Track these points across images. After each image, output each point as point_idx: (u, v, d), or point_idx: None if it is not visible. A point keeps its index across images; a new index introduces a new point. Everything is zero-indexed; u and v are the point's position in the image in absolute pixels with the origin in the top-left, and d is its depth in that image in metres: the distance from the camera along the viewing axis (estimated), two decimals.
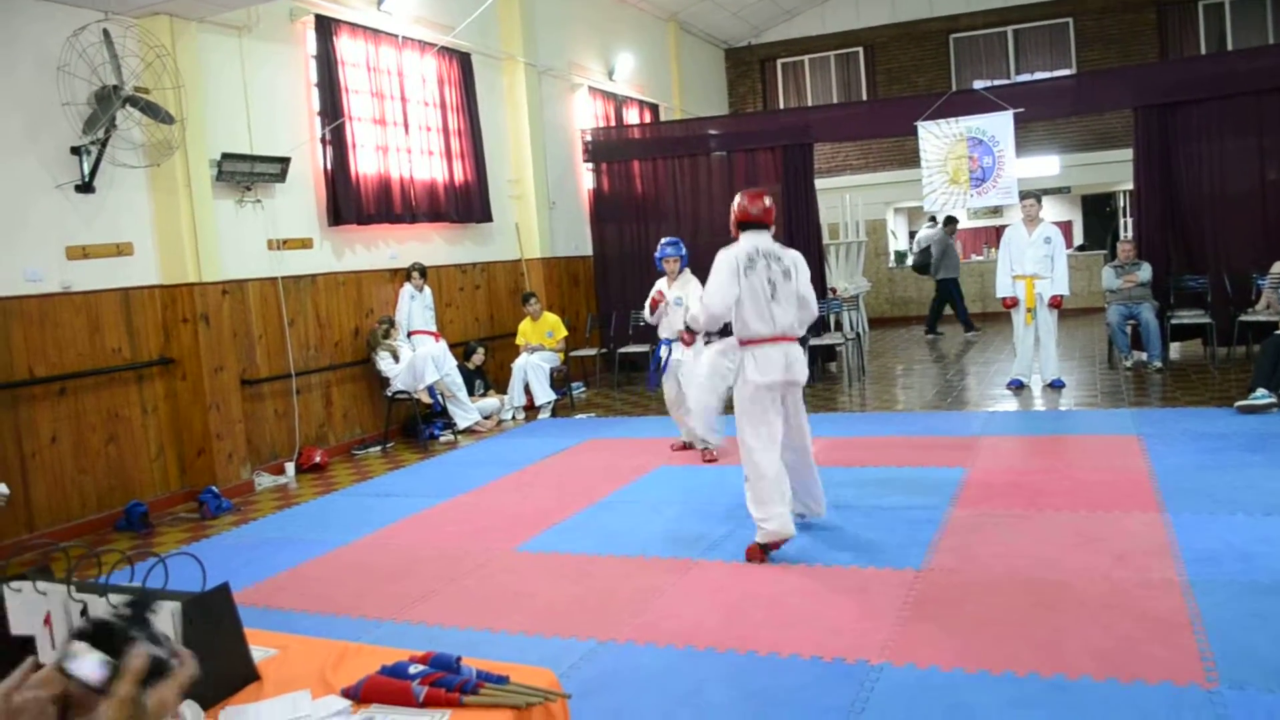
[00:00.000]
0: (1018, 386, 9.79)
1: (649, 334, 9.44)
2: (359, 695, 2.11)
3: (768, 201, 5.40)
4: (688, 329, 6.34)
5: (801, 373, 5.33)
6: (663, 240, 7.99)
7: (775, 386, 5.21)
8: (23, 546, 1.73)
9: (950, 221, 15.02)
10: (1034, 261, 9.55)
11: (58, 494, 6.65)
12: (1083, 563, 4.78)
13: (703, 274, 5.69)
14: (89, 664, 1.24)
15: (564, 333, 10.80)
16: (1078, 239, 20.71)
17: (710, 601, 4.68)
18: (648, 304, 7.86)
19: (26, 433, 6.52)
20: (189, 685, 1.30)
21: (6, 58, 6.49)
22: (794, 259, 5.38)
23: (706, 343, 6.86)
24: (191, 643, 2.15)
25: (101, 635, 1.27)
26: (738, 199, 5.45)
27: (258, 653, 2.36)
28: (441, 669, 2.17)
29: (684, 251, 7.89)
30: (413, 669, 2.16)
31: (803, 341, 5.60)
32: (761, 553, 5.19)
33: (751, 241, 5.29)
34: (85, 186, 6.86)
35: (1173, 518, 5.33)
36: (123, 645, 1.26)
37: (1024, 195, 9.96)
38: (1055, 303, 9.54)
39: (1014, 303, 9.73)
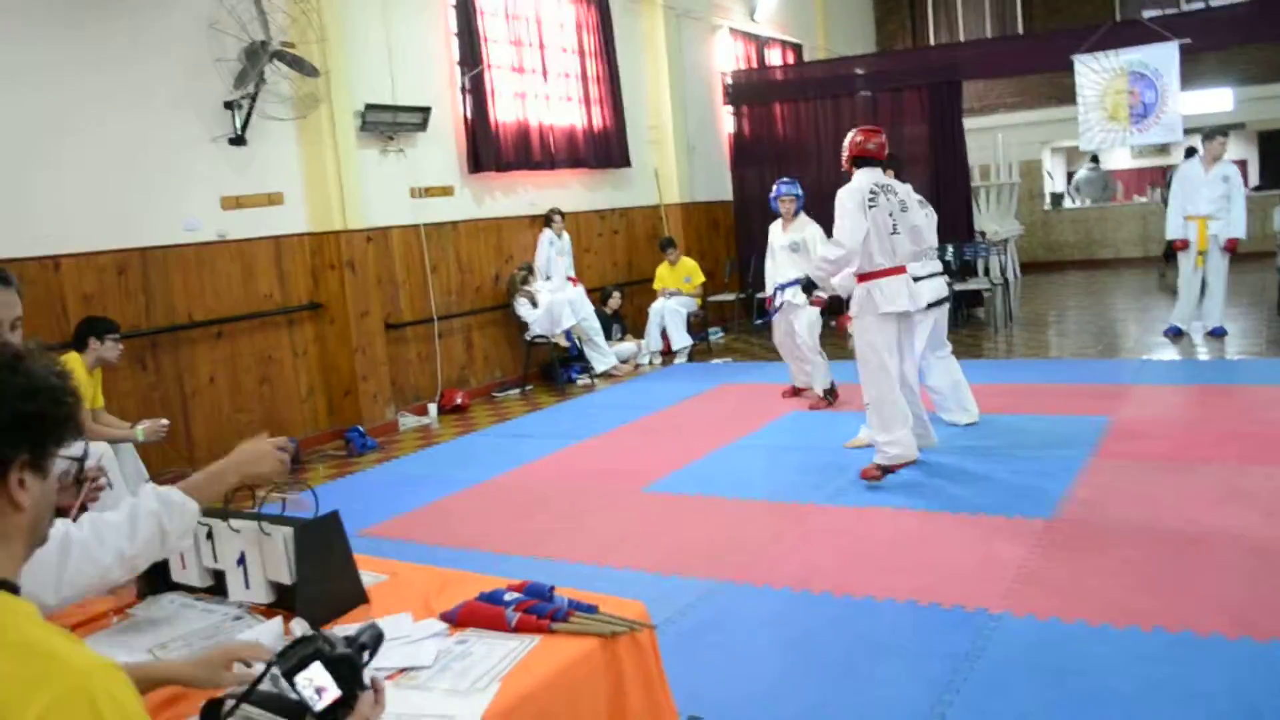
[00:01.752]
0: (1175, 334, 9.25)
1: None
2: (455, 619, 2.19)
3: (882, 138, 5.56)
4: (810, 288, 6.14)
5: (925, 296, 5.61)
6: (779, 180, 7.85)
7: (900, 315, 5.40)
8: (178, 477, 1.87)
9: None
10: (1209, 201, 8.99)
11: (216, 430, 7.05)
12: (1228, 518, 4.55)
13: (828, 217, 5.71)
14: (323, 692, 1.46)
15: (701, 278, 10.78)
16: (1253, 179, 19.41)
17: (829, 546, 4.66)
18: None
19: (187, 373, 6.92)
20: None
21: (162, 17, 6.80)
22: (907, 191, 5.59)
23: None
24: (304, 563, 2.29)
25: (339, 666, 1.49)
26: (851, 135, 5.59)
27: (368, 578, 2.48)
28: (535, 597, 2.24)
29: (800, 192, 7.71)
30: (508, 596, 2.23)
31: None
32: (880, 473, 5.40)
33: (869, 177, 5.44)
34: (238, 139, 7.17)
35: None
36: (355, 683, 1.49)
37: (1211, 133, 9.28)
38: (1231, 246, 8.99)
39: (1185, 244, 9.16)
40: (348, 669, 1.48)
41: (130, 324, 6.40)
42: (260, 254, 7.43)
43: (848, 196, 5.31)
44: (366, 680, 1.51)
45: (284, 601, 2.34)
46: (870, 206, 5.29)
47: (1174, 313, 9.44)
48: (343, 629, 2.11)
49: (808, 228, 7.59)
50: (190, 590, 2.52)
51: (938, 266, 6.50)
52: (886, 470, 5.40)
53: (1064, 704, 3.06)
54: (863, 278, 5.40)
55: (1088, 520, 4.68)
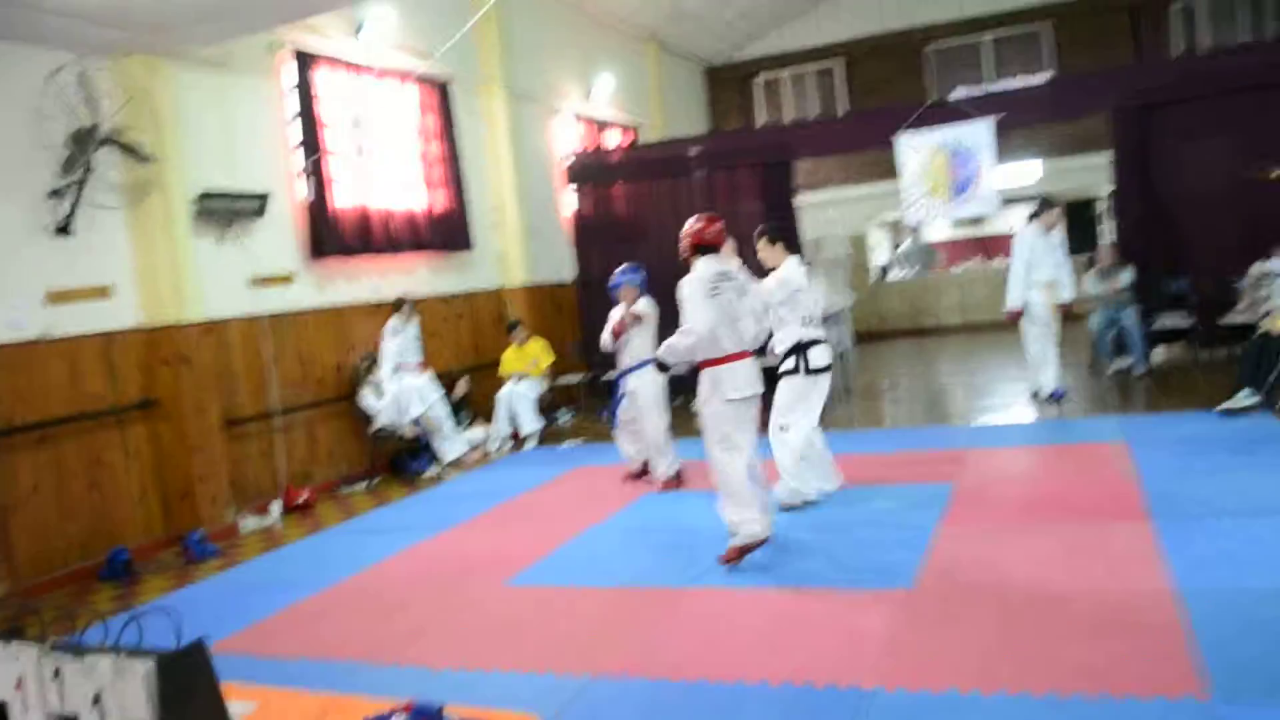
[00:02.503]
0: (1059, 397, 9.23)
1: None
2: None
3: (720, 225, 5.62)
4: (660, 364, 5.98)
5: (759, 384, 5.58)
6: (620, 270, 7.79)
7: (749, 400, 5.48)
8: None
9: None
10: (1053, 267, 9.22)
11: (41, 544, 6.58)
12: (1073, 576, 4.77)
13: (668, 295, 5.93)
14: None
15: (550, 358, 10.76)
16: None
17: (700, 631, 4.65)
18: (609, 330, 7.76)
19: (8, 483, 6.45)
20: None
21: None
22: (744, 277, 5.75)
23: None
24: (166, 703, 2.12)
25: None
26: (691, 224, 5.62)
27: (236, 708, 2.32)
28: (424, 718, 2.15)
29: (640, 279, 7.70)
30: None
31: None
32: (740, 555, 5.43)
33: (710, 266, 5.52)
34: (64, 229, 6.82)
35: (1161, 525, 5.32)
36: None
37: (1047, 203, 9.54)
38: (1067, 310, 9.39)
39: (1019, 315, 9.33)
40: None
41: None
42: (89, 350, 7.04)
43: (693, 287, 5.40)
44: None
45: None
46: (714, 294, 5.40)
47: (1043, 377, 9.33)
48: None
49: (651, 310, 7.65)
50: None
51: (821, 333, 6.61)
52: (745, 551, 5.44)
53: None
54: (709, 363, 5.47)
55: (945, 588, 4.82)
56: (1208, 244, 10.42)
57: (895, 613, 4.53)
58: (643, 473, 7.87)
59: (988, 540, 5.49)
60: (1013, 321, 9.51)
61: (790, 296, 6.44)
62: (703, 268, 5.50)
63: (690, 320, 5.37)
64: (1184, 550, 4.90)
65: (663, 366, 6.01)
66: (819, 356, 6.52)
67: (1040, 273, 9.23)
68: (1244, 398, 7.73)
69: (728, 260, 5.80)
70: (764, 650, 4.28)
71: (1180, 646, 3.83)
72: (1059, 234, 9.38)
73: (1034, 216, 9.39)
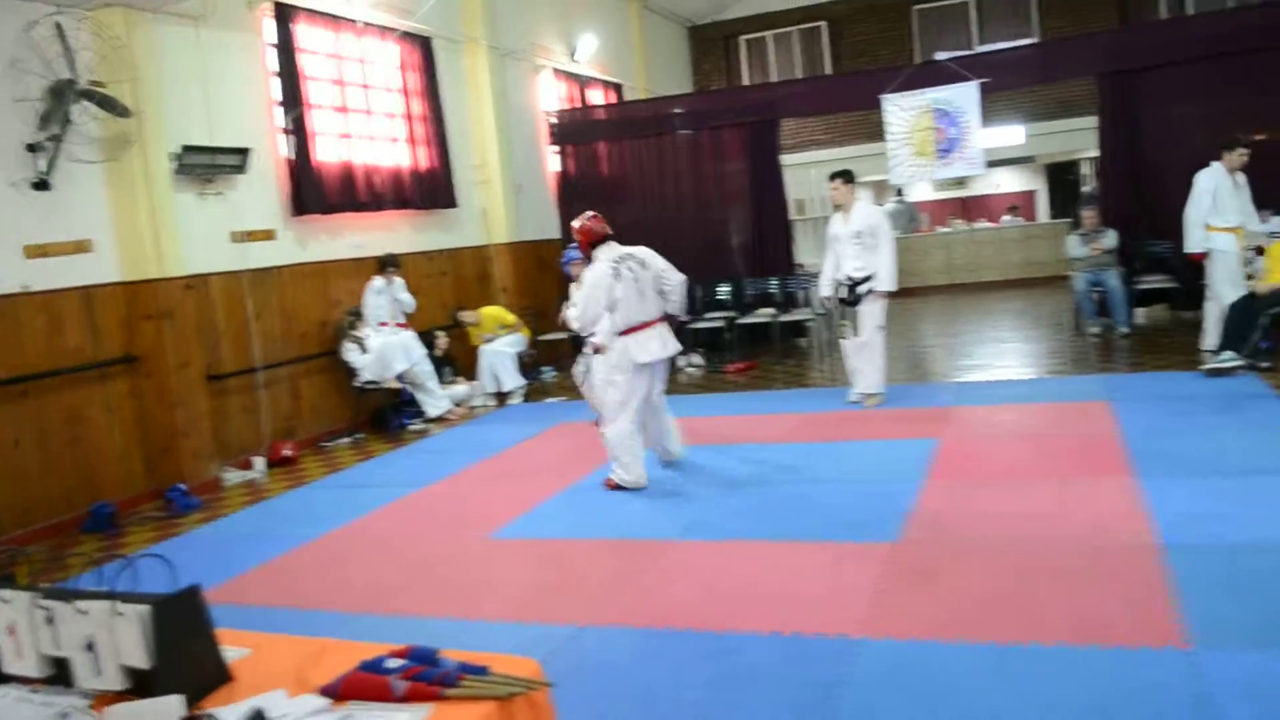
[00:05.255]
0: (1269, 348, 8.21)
1: None
2: (337, 692, 2.07)
3: (602, 220, 6.37)
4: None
5: (675, 347, 6.39)
6: (568, 247, 7.86)
7: (653, 364, 6.25)
8: None
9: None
10: (1237, 211, 8.46)
11: (22, 497, 6.53)
12: (1057, 530, 4.81)
13: (670, 249, 6.67)
14: None
15: (512, 319, 10.72)
16: (1043, 207, 20.81)
17: (687, 582, 4.67)
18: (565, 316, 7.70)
19: None
20: None
21: None
22: (644, 251, 6.36)
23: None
24: (162, 648, 2.11)
25: None
26: (580, 223, 6.37)
27: (230, 653, 2.31)
28: (420, 662, 2.14)
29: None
30: (391, 663, 2.13)
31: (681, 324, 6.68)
32: (619, 487, 6.26)
33: (609, 254, 6.23)
34: (42, 184, 6.71)
35: (1145, 482, 5.37)
36: None
37: (1237, 141, 8.56)
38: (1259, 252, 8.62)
39: (1202, 257, 8.65)
40: None
41: None
42: (69, 305, 6.96)
43: (594, 278, 6.16)
44: None
45: (140, 688, 2.15)
46: (618, 277, 6.11)
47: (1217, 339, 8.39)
48: (221, 712, 1.97)
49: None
50: (26, 682, 2.29)
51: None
52: (623, 488, 6.25)
53: None
54: (623, 334, 6.17)
55: (931, 541, 4.86)
56: None
57: (882, 565, 4.56)
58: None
59: (972, 495, 5.52)
60: (1196, 262, 8.88)
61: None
62: (603, 257, 6.21)
63: (582, 304, 6.19)
64: (1167, 506, 4.95)
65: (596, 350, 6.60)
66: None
67: (1225, 217, 8.47)
68: (1228, 358, 7.78)
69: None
70: (752, 601, 4.31)
71: (1163, 598, 3.88)
72: (1243, 175, 8.59)
73: (1224, 150, 8.54)
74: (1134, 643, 3.51)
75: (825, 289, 8.34)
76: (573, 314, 6.41)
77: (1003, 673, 3.41)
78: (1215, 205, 8.45)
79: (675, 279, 6.41)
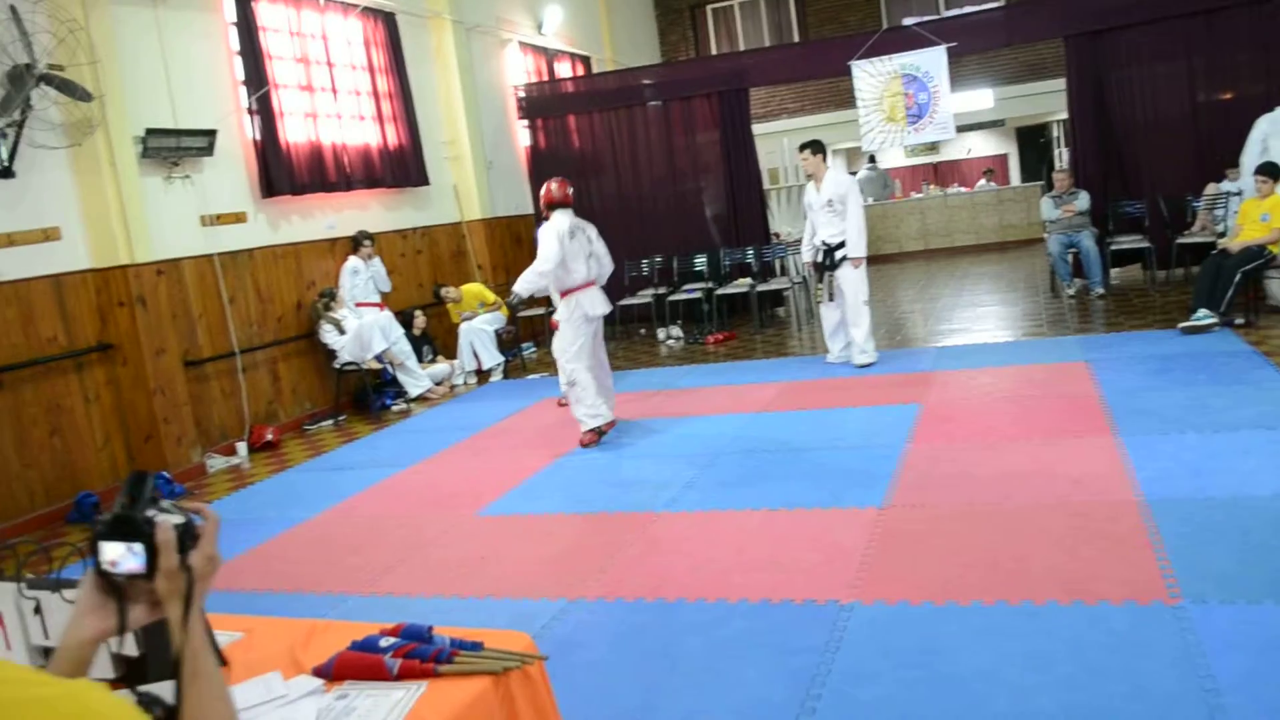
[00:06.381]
0: None
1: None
2: (331, 673, 2.06)
3: (570, 188, 6.96)
4: (517, 303, 7.28)
5: (608, 306, 7.05)
6: None
7: (597, 317, 6.93)
8: None
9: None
10: None
11: (3, 490, 6.47)
12: (1041, 490, 4.84)
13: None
14: (126, 558, 1.28)
15: (492, 297, 10.67)
16: (1015, 171, 20.87)
17: (677, 552, 4.68)
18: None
19: None
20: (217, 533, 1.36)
21: None
22: (591, 227, 7.06)
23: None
24: (152, 633, 2.09)
25: (121, 527, 1.29)
26: (547, 186, 6.95)
27: (222, 637, 2.28)
28: (414, 640, 2.13)
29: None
30: (384, 642, 2.12)
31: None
32: (596, 436, 6.83)
33: (565, 219, 6.79)
34: (5, 171, 6.60)
35: (1125, 440, 5.41)
36: (145, 527, 1.29)
37: None
38: None
39: None
40: (129, 526, 1.29)
41: None
42: (39, 294, 6.87)
43: (551, 232, 6.68)
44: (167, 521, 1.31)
45: (132, 675, 2.13)
46: (571, 239, 6.73)
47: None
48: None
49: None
50: None
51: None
52: (599, 433, 6.84)
53: (925, 683, 3.17)
54: (568, 292, 6.80)
55: (917, 504, 4.88)
56: (1163, 166, 10.53)
57: (869, 530, 4.57)
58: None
59: (956, 458, 5.55)
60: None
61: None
62: (558, 219, 6.78)
63: (542, 255, 6.66)
64: (1148, 463, 4.99)
65: (513, 306, 7.47)
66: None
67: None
68: (1203, 316, 7.83)
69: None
70: (741, 569, 4.32)
71: (1148, 554, 3.92)
72: None
73: None
74: (1120, 599, 3.54)
75: (806, 255, 8.69)
76: (536, 265, 6.74)
77: (991, 632, 3.43)
78: (1266, 153, 8.24)
79: (610, 264, 7.20)
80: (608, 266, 7.18)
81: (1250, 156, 8.50)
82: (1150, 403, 6.10)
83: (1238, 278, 7.85)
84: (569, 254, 6.71)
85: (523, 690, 2.06)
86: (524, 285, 6.82)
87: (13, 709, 0.97)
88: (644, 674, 3.50)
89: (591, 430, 6.84)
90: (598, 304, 6.95)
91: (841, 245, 8.26)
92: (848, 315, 8.39)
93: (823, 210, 8.37)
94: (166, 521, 1.30)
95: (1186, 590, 3.55)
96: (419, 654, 2.06)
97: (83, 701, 1.01)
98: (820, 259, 8.44)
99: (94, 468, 7.13)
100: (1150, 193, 10.46)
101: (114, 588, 1.31)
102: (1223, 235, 8.98)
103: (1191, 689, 2.94)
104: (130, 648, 2.11)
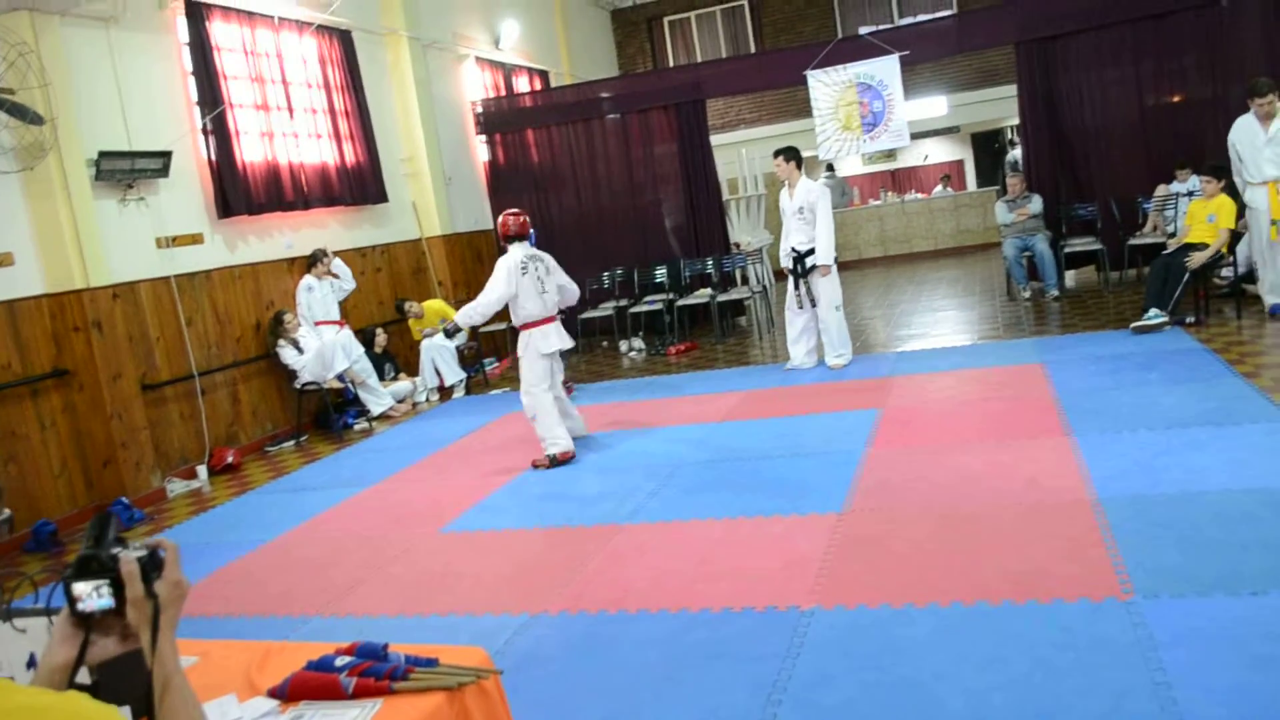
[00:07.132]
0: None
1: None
2: (286, 693, 2.07)
3: (524, 219, 6.98)
4: (446, 331, 7.39)
5: (567, 341, 7.02)
6: None
7: (552, 354, 6.87)
8: None
9: None
10: (1272, 163, 7.92)
11: None
12: (997, 490, 4.91)
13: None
14: (92, 597, 1.38)
15: (454, 313, 10.61)
16: (970, 176, 21.10)
17: (638, 564, 4.69)
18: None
19: None
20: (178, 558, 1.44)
21: None
22: (549, 259, 7.01)
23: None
24: (105, 663, 2.08)
25: (89, 565, 1.38)
26: (503, 219, 6.96)
27: None
28: (368, 658, 2.14)
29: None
30: (339, 661, 2.13)
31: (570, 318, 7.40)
32: (551, 463, 6.70)
33: (520, 251, 6.81)
34: None
35: (1079, 439, 5.50)
36: (109, 563, 1.38)
37: (1256, 87, 8.00)
38: None
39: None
40: (95, 564, 1.38)
41: None
42: None
43: (502, 267, 6.72)
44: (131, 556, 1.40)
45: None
46: (522, 274, 6.71)
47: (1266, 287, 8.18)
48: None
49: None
50: None
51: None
52: (555, 460, 6.70)
53: (885, 685, 3.20)
54: (526, 326, 6.82)
55: (876, 508, 4.93)
56: (1113, 169, 10.70)
57: (829, 535, 4.62)
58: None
59: (914, 461, 5.61)
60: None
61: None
62: (514, 252, 6.81)
63: (489, 289, 6.72)
64: (1101, 462, 5.08)
65: (449, 333, 7.38)
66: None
67: (1259, 169, 8.01)
68: (1154, 316, 7.96)
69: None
70: (703, 579, 4.34)
71: (1101, 551, 3.98)
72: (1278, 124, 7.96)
73: (1248, 99, 8.05)
74: (1074, 596, 3.60)
75: (783, 260, 8.88)
76: (475, 304, 6.83)
77: (948, 633, 3.48)
78: (1242, 159, 8.17)
79: (574, 290, 7.18)
80: (570, 294, 7.12)
81: (1232, 163, 8.51)
82: (1103, 402, 6.20)
83: (1186, 277, 7.99)
84: (521, 290, 6.72)
85: (479, 705, 2.07)
86: (464, 318, 6.91)
87: (7, 718, 1.06)
88: (606, 686, 3.51)
89: (548, 456, 6.75)
90: (551, 340, 6.87)
91: (811, 252, 8.49)
92: (819, 321, 8.62)
93: (794, 217, 8.60)
94: (129, 555, 1.39)
95: (1139, 585, 3.61)
96: (374, 672, 2.07)
97: (73, 710, 1.13)
98: (792, 265, 8.63)
99: (51, 495, 7.05)
100: (1102, 195, 10.63)
101: (84, 621, 1.40)
102: (1173, 235, 9.13)
103: (1143, 682, 2.99)
104: (82, 674, 2.10)
